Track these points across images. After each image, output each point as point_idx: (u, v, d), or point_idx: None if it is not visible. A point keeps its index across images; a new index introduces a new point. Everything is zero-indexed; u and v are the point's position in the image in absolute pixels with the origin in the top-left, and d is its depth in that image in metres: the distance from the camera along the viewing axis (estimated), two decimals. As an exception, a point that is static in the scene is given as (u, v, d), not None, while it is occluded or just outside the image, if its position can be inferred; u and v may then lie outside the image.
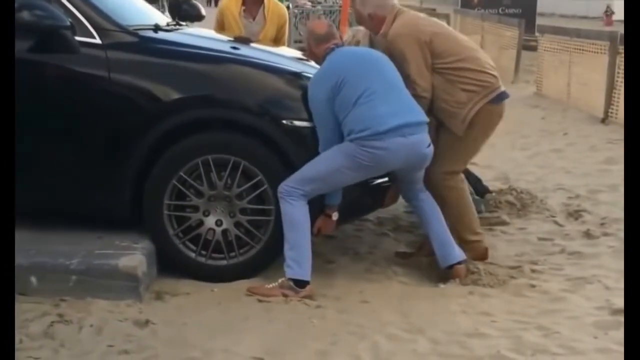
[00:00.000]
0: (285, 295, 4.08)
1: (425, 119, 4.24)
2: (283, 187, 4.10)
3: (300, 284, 4.12)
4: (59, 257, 4.07)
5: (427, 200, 4.45)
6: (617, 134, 8.43)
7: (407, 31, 4.48)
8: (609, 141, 8.25)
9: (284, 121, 4.20)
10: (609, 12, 27.15)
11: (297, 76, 4.36)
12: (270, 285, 4.15)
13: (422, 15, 4.88)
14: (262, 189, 4.22)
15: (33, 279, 4.01)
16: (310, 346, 3.57)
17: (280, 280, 4.14)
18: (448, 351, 3.57)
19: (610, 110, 9.35)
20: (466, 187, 4.69)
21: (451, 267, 4.41)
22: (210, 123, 4.23)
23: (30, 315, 3.80)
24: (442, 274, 4.44)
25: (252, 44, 5.22)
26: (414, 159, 4.20)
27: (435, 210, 4.45)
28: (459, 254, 4.43)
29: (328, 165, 4.09)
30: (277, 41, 5.89)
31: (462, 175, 4.68)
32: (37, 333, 3.65)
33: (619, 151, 7.56)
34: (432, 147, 4.26)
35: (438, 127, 4.53)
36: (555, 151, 7.94)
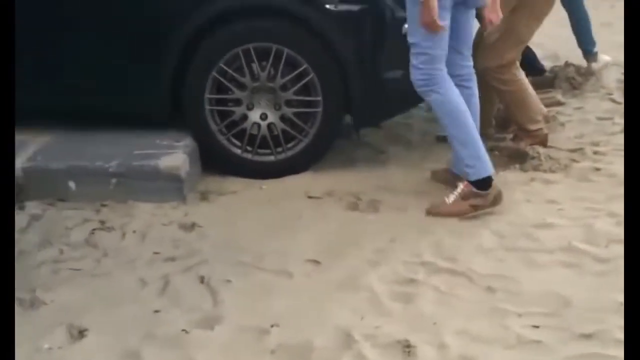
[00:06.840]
0: (475, 208, 3.61)
1: None
2: (416, 78, 3.57)
3: (483, 184, 3.64)
4: (97, 159, 3.90)
5: (472, 88, 3.89)
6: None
7: None
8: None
9: (327, 5, 3.92)
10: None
11: None
12: (451, 200, 3.64)
13: None
14: (307, 78, 3.98)
15: (71, 184, 3.86)
16: (368, 245, 3.39)
17: (460, 189, 3.65)
18: (515, 244, 3.38)
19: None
20: (523, 75, 4.39)
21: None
22: (249, 10, 3.96)
23: (70, 223, 3.67)
24: (502, 162, 4.17)
25: None
26: None
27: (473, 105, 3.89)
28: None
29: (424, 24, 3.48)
30: None
31: (517, 64, 4.36)
32: (79, 241, 3.52)
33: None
34: None
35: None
36: (605, 25, 7.49)
